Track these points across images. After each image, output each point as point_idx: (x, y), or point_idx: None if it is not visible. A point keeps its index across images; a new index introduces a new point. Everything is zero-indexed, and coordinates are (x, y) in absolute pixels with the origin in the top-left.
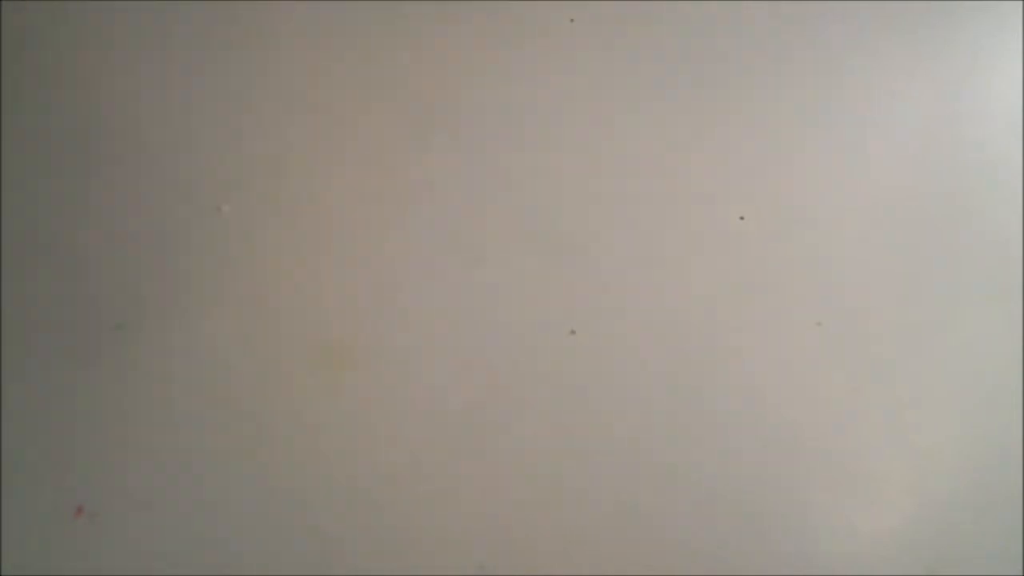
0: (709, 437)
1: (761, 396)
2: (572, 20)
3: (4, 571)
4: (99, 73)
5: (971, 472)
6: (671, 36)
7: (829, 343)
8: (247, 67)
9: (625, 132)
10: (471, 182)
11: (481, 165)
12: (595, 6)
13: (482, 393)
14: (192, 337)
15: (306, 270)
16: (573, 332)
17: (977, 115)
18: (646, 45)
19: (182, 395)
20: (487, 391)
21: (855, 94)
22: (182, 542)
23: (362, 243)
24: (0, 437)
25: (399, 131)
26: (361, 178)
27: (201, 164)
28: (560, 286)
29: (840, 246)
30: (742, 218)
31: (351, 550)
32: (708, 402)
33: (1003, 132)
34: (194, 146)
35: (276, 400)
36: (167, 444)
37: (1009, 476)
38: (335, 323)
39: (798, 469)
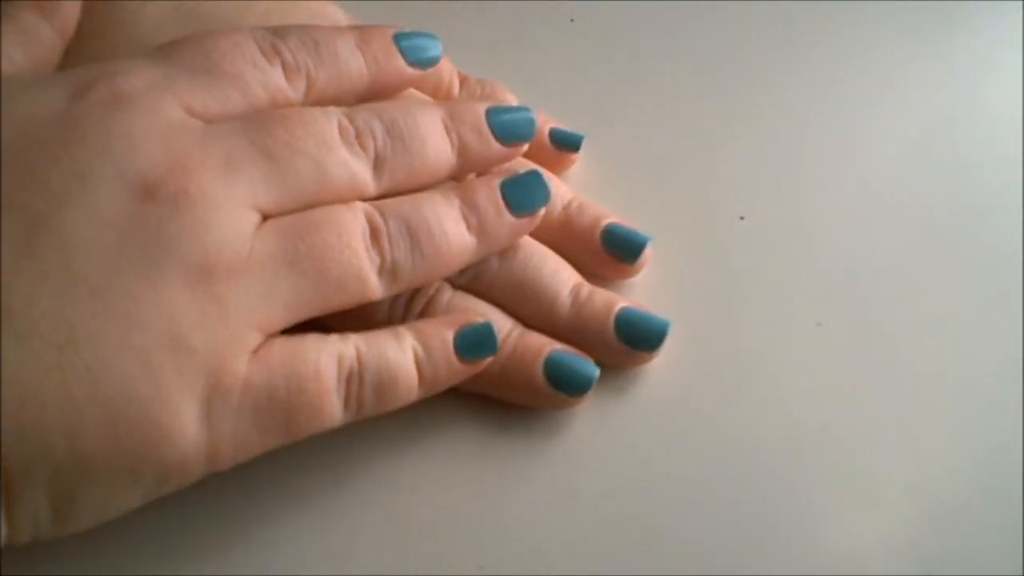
0: (708, 437)
1: (761, 396)
2: (572, 20)
3: (4, 571)
4: None
5: (971, 472)
6: (671, 36)
7: (829, 343)
8: None
9: (624, 132)
10: None
11: None
12: (595, 6)
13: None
14: None
15: None
16: None
17: (977, 115)
18: (646, 46)
19: None
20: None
21: (855, 94)
22: (179, 543)
23: None
24: None
25: None
26: None
27: None
28: None
29: (840, 246)
30: (742, 218)
31: (349, 549)
32: (707, 402)
33: (1003, 132)
34: None
35: None
36: None
37: (1009, 476)
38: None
39: (798, 469)
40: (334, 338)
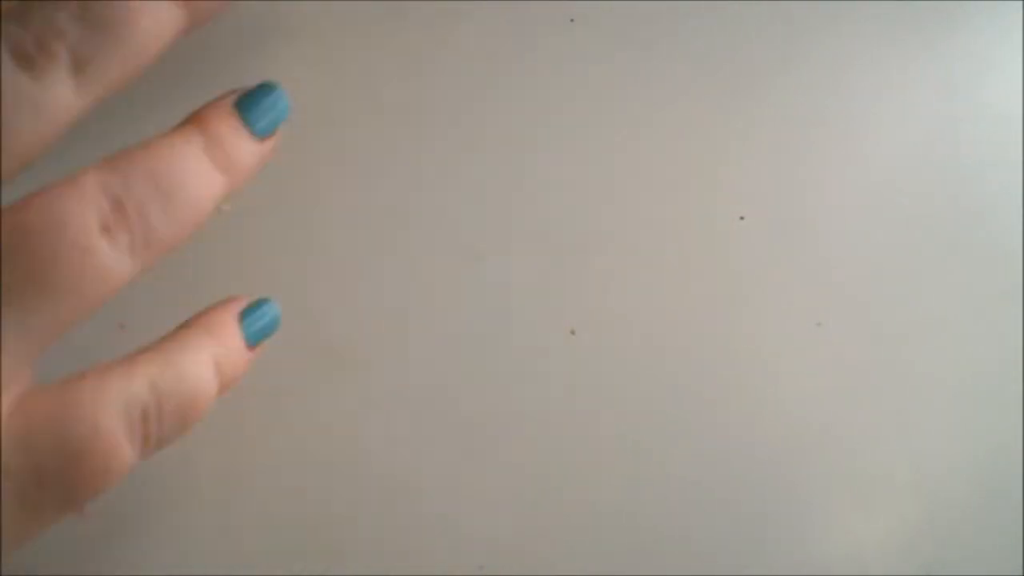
0: (709, 437)
1: (761, 396)
2: (572, 20)
3: (4, 571)
4: None
5: (971, 472)
6: (671, 36)
7: (829, 343)
8: (248, 66)
9: (624, 132)
10: (470, 182)
11: (480, 165)
12: (595, 6)
13: (482, 392)
14: None
15: (306, 269)
16: (573, 332)
17: (977, 115)
18: (646, 46)
19: None
20: (487, 390)
21: (855, 94)
22: (183, 543)
23: (362, 243)
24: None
25: (397, 131)
26: (360, 178)
27: None
28: (560, 286)
29: (840, 246)
30: (742, 218)
31: (350, 550)
32: (707, 402)
33: (1003, 132)
34: None
35: (276, 400)
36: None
37: (1009, 476)
38: (335, 324)
39: (798, 469)
40: (116, 375)
